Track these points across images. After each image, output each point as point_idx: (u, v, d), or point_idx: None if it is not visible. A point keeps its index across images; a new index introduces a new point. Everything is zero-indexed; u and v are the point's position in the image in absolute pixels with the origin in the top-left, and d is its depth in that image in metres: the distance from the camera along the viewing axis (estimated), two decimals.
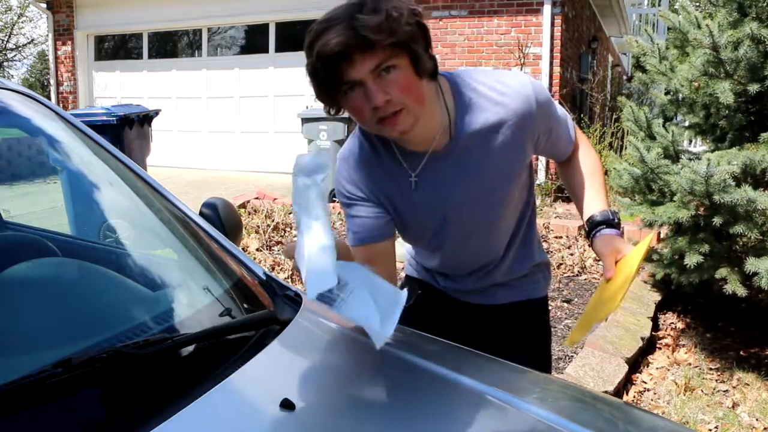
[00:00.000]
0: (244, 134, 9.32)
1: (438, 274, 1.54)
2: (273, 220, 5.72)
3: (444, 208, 1.33)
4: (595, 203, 1.36)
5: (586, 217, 1.35)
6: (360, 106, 1.13)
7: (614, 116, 7.41)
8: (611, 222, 1.31)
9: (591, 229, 1.32)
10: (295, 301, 1.36)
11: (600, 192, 1.39)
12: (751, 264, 2.99)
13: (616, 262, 1.25)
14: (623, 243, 1.27)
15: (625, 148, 4.57)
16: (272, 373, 1.01)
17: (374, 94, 1.10)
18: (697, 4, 3.85)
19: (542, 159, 7.03)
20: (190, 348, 1.08)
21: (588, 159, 1.44)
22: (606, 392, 2.73)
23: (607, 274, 1.24)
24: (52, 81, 10.51)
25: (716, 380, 3.18)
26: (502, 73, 1.32)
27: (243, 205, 6.39)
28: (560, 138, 1.40)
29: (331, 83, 1.13)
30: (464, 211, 1.33)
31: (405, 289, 1.09)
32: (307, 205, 1.02)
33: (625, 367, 3.06)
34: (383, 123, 1.15)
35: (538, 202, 6.90)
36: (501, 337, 1.49)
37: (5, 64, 23.51)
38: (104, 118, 6.27)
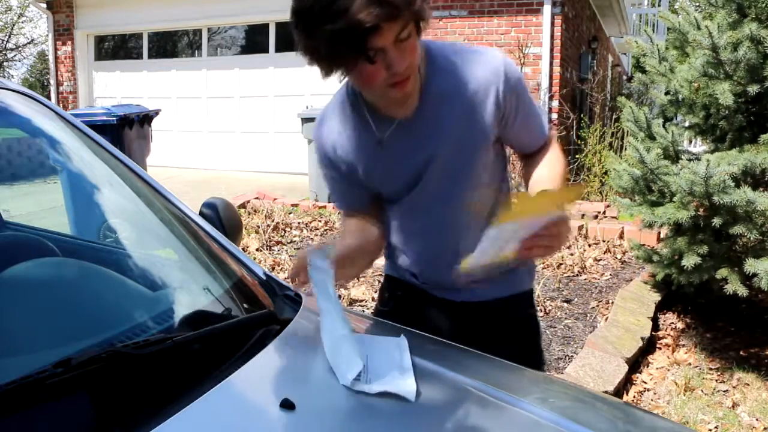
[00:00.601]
0: (244, 134, 9.32)
1: (411, 274, 1.50)
2: (273, 220, 5.72)
3: (410, 174, 1.33)
4: (542, 184, 1.33)
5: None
6: (375, 71, 1.14)
7: (614, 116, 7.41)
8: None
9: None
10: (295, 301, 1.36)
11: (552, 179, 1.34)
12: (751, 265, 2.99)
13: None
14: None
15: (625, 148, 4.57)
16: (272, 373, 1.02)
17: (397, 61, 1.13)
18: (697, 4, 3.85)
19: None
20: (190, 348, 1.08)
21: (554, 155, 1.41)
22: (606, 392, 2.73)
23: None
24: (52, 81, 10.52)
25: (716, 380, 3.18)
26: (476, 46, 1.35)
27: (243, 205, 6.39)
28: (528, 125, 1.39)
29: (348, 51, 1.11)
30: (428, 178, 1.33)
31: (402, 335, 1.21)
32: (326, 293, 1.13)
33: (625, 367, 3.06)
34: (395, 86, 1.17)
35: None
36: (487, 337, 1.44)
37: (5, 64, 23.53)
38: (104, 118, 6.28)
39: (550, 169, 1.39)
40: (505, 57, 1.31)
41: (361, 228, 1.39)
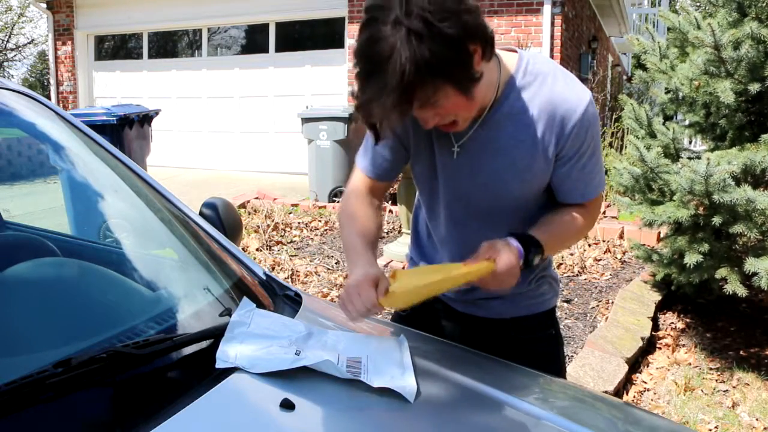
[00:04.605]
0: (244, 134, 9.32)
1: None
2: (273, 220, 5.72)
3: (459, 185, 1.31)
4: (536, 230, 1.28)
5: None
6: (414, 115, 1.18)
7: (614, 116, 7.41)
8: (526, 242, 1.22)
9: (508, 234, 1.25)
10: (295, 300, 1.36)
11: (550, 233, 1.28)
12: (751, 264, 2.99)
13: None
14: (508, 254, 1.18)
15: (626, 147, 4.57)
16: (272, 373, 1.02)
17: (423, 121, 1.17)
18: (698, 4, 3.86)
19: None
20: (190, 348, 1.08)
21: (577, 221, 1.33)
22: (606, 392, 2.73)
23: (469, 261, 1.19)
24: (52, 81, 10.51)
25: (716, 380, 3.18)
26: (573, 78, 1.28)
27: (243, 205, 6.40)
28: (574, 178, 1.30)
29: None
30: (475, 193, 1.30)
31: (402, 335, 1.24)
32: None
33: (625, 367, 3.06)
34: (442, 128, 1.20)
35: None
36: (504, 355, 1.37)
37: (5, 64, 23.54)
38: (104, 118, 6.28)
39: (557, 226, 1.31)
40: (591, 101, 1.25)
41: (374, 215, 1.37)
